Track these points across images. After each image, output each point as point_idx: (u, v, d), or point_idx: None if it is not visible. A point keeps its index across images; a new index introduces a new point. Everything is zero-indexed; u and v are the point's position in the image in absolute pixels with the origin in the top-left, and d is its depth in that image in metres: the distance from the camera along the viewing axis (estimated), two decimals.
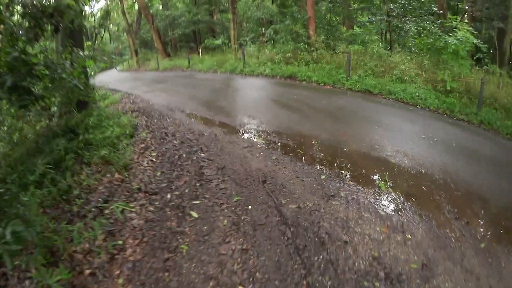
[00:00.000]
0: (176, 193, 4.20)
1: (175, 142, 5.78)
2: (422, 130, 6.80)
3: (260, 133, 6.30)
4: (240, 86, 11.37)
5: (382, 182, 4.52)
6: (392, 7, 14.12)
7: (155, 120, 7.27)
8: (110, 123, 6.35)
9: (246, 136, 6.19)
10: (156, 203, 4.07)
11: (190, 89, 11.22)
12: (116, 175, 4.89)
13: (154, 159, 5.15)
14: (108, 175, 4.94)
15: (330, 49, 13.33)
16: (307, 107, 8.02)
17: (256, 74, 12.89)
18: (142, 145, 5.70)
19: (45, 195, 3.96)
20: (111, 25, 43.99)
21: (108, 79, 20.75)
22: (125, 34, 36.19)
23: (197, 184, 4.34)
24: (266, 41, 16.81)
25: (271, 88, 10.59)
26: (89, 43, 12.65)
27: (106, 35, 50.14)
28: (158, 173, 4.70)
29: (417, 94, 9.17)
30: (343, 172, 4.82)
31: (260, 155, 5.22)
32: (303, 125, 6.65)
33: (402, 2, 13.65)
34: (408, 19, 13.53)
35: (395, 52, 13.25)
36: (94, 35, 46.46)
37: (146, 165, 4.98)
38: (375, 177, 4.74)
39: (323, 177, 4.58)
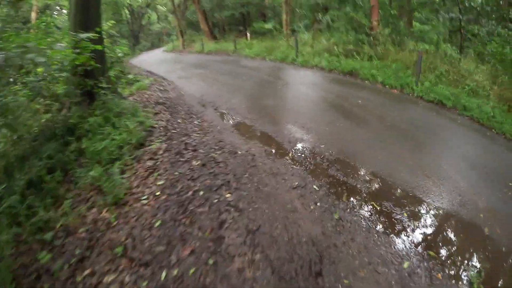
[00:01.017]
0: (175, 272, 2.56)
1: (194, 163, 4.18)
2: None
3: (317, 160, 4.45)
4: (291, 79, 9.52)
5: None
6: (466, 5, 11.49)
7: (179, 121, 5.82)
8: (118, 123, 4.84)
9: (297, 165, 4.33)
10: (143, 285, 2.47)
11: (231, 79, 9.64)
12: (104, 213, 3.37)
13: (158, 192, 3.56)
14: (94, 210, 3.45)
15: (396, 45, 10.97)
16: (376, 119, 6.14)
17: (310, 65, 10.94)
18: (149, 163, 4.13)
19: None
20: (158, 5, 42.85)
21: (149, 60, 20.16)
22: (171, 14, 35.08)
23: (210, 262, 2.65)
24: (321, 29, 14.68)
25: (329, 86, 8.62)
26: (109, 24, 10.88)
27: (154, 15, 49.77)
28: (157, 223, 3.09)
29: (492, 114, 7.07)
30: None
31: (316, 208, 3.41)
32: (375, 151, 4.79)
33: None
34: (483, 22, 10.96)
35: (467, 58, 10.66)
36: (141, 14, 46.21)
37: (145, 202, 3.40)
38: None
39: (406, 266, 2.74)
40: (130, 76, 9.76)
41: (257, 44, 15.90)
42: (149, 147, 4.57)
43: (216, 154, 4.40)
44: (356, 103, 7.06)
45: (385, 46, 10.56)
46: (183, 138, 4.92)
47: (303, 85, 8.68)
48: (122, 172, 3.95)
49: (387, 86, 8.65)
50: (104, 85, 5.51)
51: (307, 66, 10.95)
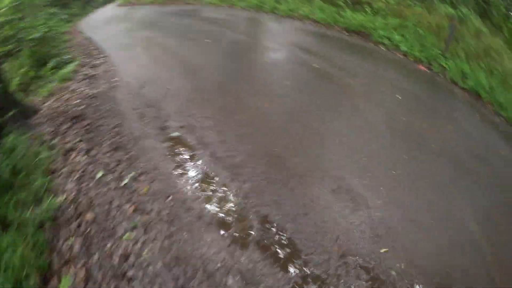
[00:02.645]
0: None
1: None
2: None
3: None
4: (280, 40, 6.54)
5: None
6: None
7: (100, 175, 3.29)
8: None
9: None
10: None
11: (189, 44, 6.68)
12: None
13: None
14: None
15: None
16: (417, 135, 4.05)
17: (298, 16, 7.85)
18: None
19: None
20: None
21: (95, 21, 16.11)
22: None
23: None
24: None
25: (340, 57, 5.74)
26: None
27: None
28: None
29: None
30: None
31: None
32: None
33: None
34: None
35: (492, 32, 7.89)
36: None
37: None
38: None
39: None
40: (55, 61, 6.74)
41: None
42: None
43: None
44: (393, 95, 4.46)
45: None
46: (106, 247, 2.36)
47: (299, 56, 5.73)
48: None
49: (410, 58, 5.92)
50: None
51: (295, 17, 7.90)
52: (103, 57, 6.85)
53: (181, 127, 3.87)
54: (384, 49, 6.14)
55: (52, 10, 24.50)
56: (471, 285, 2.38)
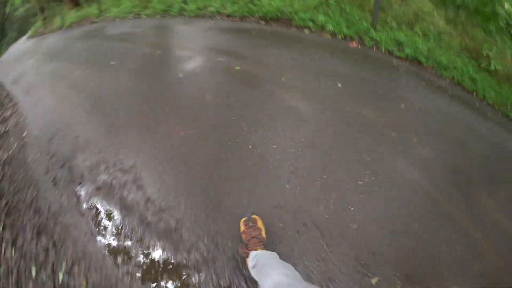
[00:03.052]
0: None
1: None
2: None
3: None
4: (189, 46, 5.55)
5: None
6: None
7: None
8: None
9: None
10: None
11: (93, 73, 5.66)
12: None
13: None
14: None
15: None
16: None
17: (208, 14, 6.99)
18: None
19: None
20: None
21: (5, 62, 14.59)
22: None
23: None
24: None
25: (263, 52, 4.93)
26: None
27: None
28: None
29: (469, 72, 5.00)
30: None
31: None
32: None
33: None
34: None
35: None
36: (3, 5, 36.90)
37: None
38: None
39: None
40: None
41: None
42: None
43: None
44: (332, 84, 3.85)
45: None
46: None
47: (222, 54, 4.87)
48: None
49: (339, 37, 5.30)
50: None
51: (205, 16, 6.98)
52: (12, 105, 5.88)
53: (98, 188, 3.01)
54: (309, 33, 5.45)
55: None
56: None
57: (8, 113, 5.87)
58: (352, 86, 4.10)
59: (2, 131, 5.15)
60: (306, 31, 5.52)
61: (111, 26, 9.18)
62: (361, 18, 5.52)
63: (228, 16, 6.57)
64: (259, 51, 4.83)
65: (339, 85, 4.06)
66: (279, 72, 4.32)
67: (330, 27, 5.34)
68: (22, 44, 20.04)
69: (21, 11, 41.30)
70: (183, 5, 7.62)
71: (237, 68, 4.49)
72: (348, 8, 5.77)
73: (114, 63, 5.45)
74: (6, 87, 8.02)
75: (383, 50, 5.01)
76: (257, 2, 6.48)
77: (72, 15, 14.70)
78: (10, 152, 4.15)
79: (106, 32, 8.46)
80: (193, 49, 5.25)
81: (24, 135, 4.45)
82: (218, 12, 6.80)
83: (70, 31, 12.06)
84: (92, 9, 12.84)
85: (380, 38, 5.12)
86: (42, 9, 22.49)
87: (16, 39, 34.97)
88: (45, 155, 3.73)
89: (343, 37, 5.26)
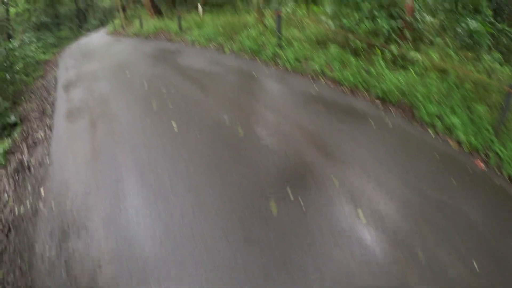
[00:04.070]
0: None
1: None
2: None
3: None
4: (277, 132, 3.88)
5: None
6: None
7: None
8: None
9: None
10: None
11: (147, 130, 4.34)
12: None
13: None
14: None
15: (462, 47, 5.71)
16: None
17: (310, 72, 5.62)
18: None
19: None
20: None
21: (77, 51, 14.88)
22: None
23: None
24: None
25: (389, 170, 3.29)
26: None
27: None
28: None
29: None
30: None
31: None
32: None
33: None
34: None
35: None
36: None
37: None
38: None
39: None
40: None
41: (212, 21, 10.23)
42: None
43: None
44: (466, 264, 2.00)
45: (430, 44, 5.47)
46: None
47: (322, 155, 3.35)
48: None
49: (465, 148, 3.64)
50: None
51: (304, 74, 5.58)
52: (47, 127, 5.20)
53: None
54: (432, 135, 3.80)
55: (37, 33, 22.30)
56: None
57: (40, 135, 5.03)
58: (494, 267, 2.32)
59: (27, 162, 4.22)
60: (430, 130, 3.89)
61: (187, 51, 8.10)
62: (484, 118, 3.82)
63: (335, 82, 5.11)
64: (382, 166, 3.19)
65: (476, 266, 2.29)
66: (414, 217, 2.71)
67: (459, 132, 3.68)
68: (97, 38, 20.23)
69: (106, 1, 43.39)
70: (278, 50, 6.29)
71: (336, 181, 2.95)
72: (470, 96, 4.15)
73: (175, 127, 4.08)
74: (56, 90, 7.29)
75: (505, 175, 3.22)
76: (373, 71, 4.97)
77: (151, 23, 14.16)
78: (22, 210, 3.14)
79: (180, 60, 7.33)
80: (280, 134, 3.73)
81: (41, 190, 3.37)
82: (323, 73, 5.36)
83: (144, 43, 11.34)
84: (172, 24, 12.06)
85: (503, 154, 3.37)
86: (123, 8, 22.75)
87: (96, 27, 36.56)
88: (53, 254, 2.45)
89: (469, 148, 3.57)
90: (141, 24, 14.56)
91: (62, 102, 6.24)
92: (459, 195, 2.79)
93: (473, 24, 5.67)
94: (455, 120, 3.83)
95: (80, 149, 3.99)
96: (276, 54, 6.24)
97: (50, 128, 5.14)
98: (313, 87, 4.97)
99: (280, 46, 6.46)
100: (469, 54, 5.39)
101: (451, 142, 3.67)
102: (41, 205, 3.12)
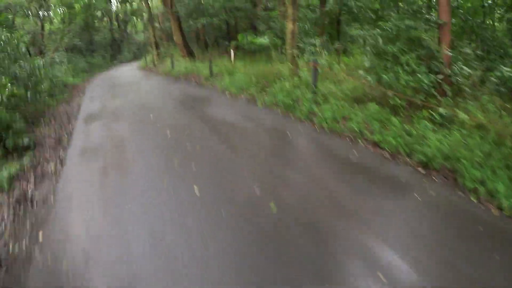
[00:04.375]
0: None
1: None
2: None
3: None
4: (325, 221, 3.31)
5: None
6: None
7: None
8: None
9: None
10: None
11: (166, 185, 3.97)
12: None
13: None
14: None
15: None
16: None
17: (346, 132, 5.21)
18: None
19: None
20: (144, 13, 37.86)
21: (105, 81, 15.79)
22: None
23: None
24: (348, 51, 9.13)
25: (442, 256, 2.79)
26: None
27: (140, 24, 44.91)
28: None
29: None
30: None
31: None
32: None
33: None
34: None
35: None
36: (125, 21, 41.27)
37: None
38: None
39: None
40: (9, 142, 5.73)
41: (244, 67, 10.19)
42: None
43: None
44: None
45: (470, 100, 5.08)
46: None
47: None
48: None
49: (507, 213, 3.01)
50: None
51: (342, 135, 5.21)
52: (59, 161, 5.13)
53: None
54: (475, 201, 3.27)
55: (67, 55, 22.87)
56: None
57: (50, 167, 4.92)
58: None
59: (29, 197, 4.06)
60: (472, 197, 3.37)
61: (217, 100, 7.90)
62: None
63: (375, 145, 4.71)
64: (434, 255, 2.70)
65: None
66: None
67: (502, 198, 3.14)
68: (126, 71, 20.77)
69: (140, 36, 45.36)
70: (314, 107, 6.00)
71: None
72: None
73: (198, 194, 3.70)
74: (77, 120, 7.22)
75: None
76: (414, 132, 4.56)
77: (182, 64, 14.39)
78: (16, 249, 2.96)
79: (209, 109, 7.08)
80: (321, 210, 3.31)
81: (41, 233, 3.13)
82: (361, 134, 4.98)
83: (173, 84, 11.37)
84: (203, 68, 12.14)
85: None
86: (156, 45, 23.50)
87: (129, 59, 37.88)
88: None
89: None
90: (172, 64, 14.81)
91: (79, 135, 6.26)
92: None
93: (507, 70, 5.29)
94: (497, 185, 3.34)
95: (88, 198, 3.77)
96: (311, 111, 5.94)
97: (62, 163, 5.01)
98: (352, 151, 4.57)
99: (316, 102, 6.17)
100: (507, 105, 4.90)
101: (493, 210, 3.17)
102: (36, 251, 2.86)
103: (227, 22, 16.42)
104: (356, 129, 5.08)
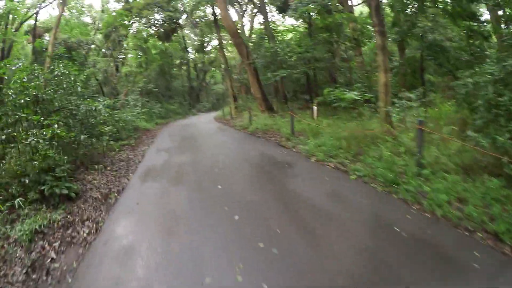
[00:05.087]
0: None
1: None
2: None
3: None
4: None
5: None
6: None
7: None
8: None
9: None
10: None
11: None
12: None
13: None
14: None
15: None
16: None
17: (460, 219, 4.23)
18: None
19: None
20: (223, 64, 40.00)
21: (177, 132, 16.48)
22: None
23: None
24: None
25: None
26: None
27: (219, 74, 47.05)
28: None
29: None
30: None
31: None
32: None
33: None
34: None
35: None
36: (203, 73, 43.49)
37: None
38: None
39: None
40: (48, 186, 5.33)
41: (329, 126, 9.54)
42: None
43: None
44: None
45: None
46: None
47: None
48: None
49: None
50: None
51: (458, 225, 4.20)
52: (96, 226, 4.75)
53: None
54: None
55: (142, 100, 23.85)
56: None
57: (82, 232, 4.50)
58: None
59: (47, 265, 3.67)
60: None
61: (300, 168, 6.92)
62: None
63: (497, 238, 3.65)
64: None
65: None
66: None
67: None
68: (202, 123, 21.20)
69: (219, 86, 47.54)
70: (422, 183, 5.07)
71: None
72: None
73: None
74: (135, 173, 7.14)
75: None
76: None
77: (260, 119, 14.27)
78: None
79: (290, 183, 6.07)
80: None
81: None
82: (481, 224, 3.96)
83: (250, 142, 10.93)
84: (284, 124, 11.75)
85: None
86: (234, 97, 24.16)
87: (207, 109, 39.50)
88: None
89: None
90: (250, 118, 14.76)
91: (130, 195, 6.13)
92: None
93: None
94: None
95: None
96: (420, 188, 5.00)
97: (97, 229, 4.60)
98: (472, 252, 3.57)
99: (422, 176, 5.24)
100: None
101: None
102: None
103: (306, 74, 16.18)
104: (475, 215, 4.06)
